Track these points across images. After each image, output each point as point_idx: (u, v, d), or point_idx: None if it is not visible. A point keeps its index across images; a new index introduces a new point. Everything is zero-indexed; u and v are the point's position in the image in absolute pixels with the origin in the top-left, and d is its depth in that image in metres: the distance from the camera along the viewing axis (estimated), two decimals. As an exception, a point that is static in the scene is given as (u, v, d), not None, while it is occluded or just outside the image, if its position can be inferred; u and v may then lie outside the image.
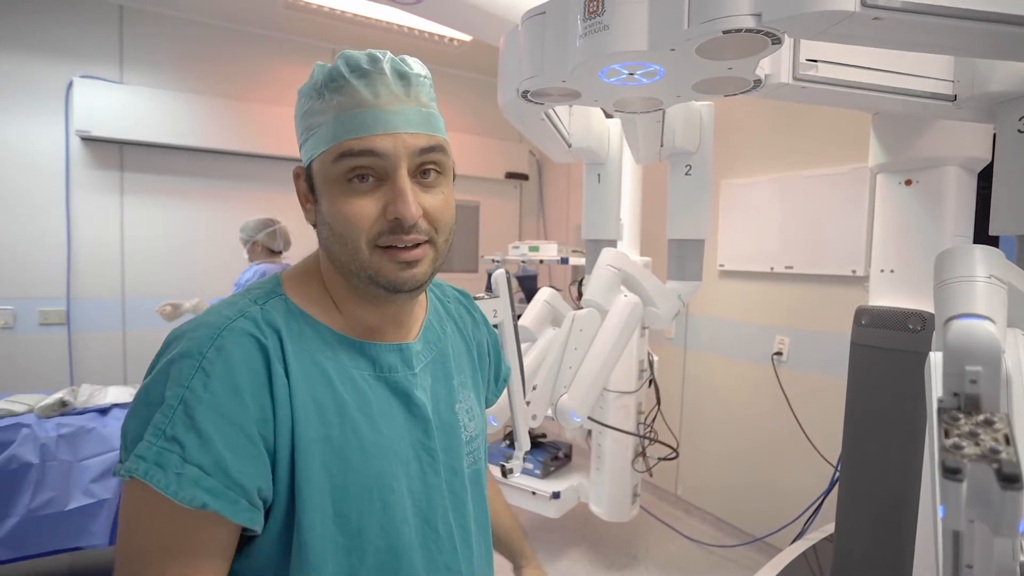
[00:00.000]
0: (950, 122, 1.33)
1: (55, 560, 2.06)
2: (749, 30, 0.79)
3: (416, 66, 0.61)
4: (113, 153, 2.89)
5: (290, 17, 3.05)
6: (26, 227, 2.71)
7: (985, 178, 1.32)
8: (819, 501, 2.03)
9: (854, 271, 2.23)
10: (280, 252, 2.69)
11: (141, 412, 0.52)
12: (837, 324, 2.27)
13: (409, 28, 3.17)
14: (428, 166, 0.60)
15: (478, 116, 3.81)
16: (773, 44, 0.84)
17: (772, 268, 2.53)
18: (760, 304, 2.63)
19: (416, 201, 0.58)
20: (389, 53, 0.60)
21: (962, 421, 0.52)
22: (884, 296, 1.57)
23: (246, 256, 2.64)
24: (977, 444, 0.49)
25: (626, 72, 0.98)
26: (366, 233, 0.57)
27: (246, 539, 0.56)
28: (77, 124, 2.71)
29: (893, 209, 1.55)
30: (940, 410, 0.54)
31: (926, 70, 1.13)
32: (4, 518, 1.83)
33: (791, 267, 2.46)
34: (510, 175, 3.99)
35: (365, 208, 0.57)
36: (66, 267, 2.80)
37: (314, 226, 0.64)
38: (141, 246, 2.98)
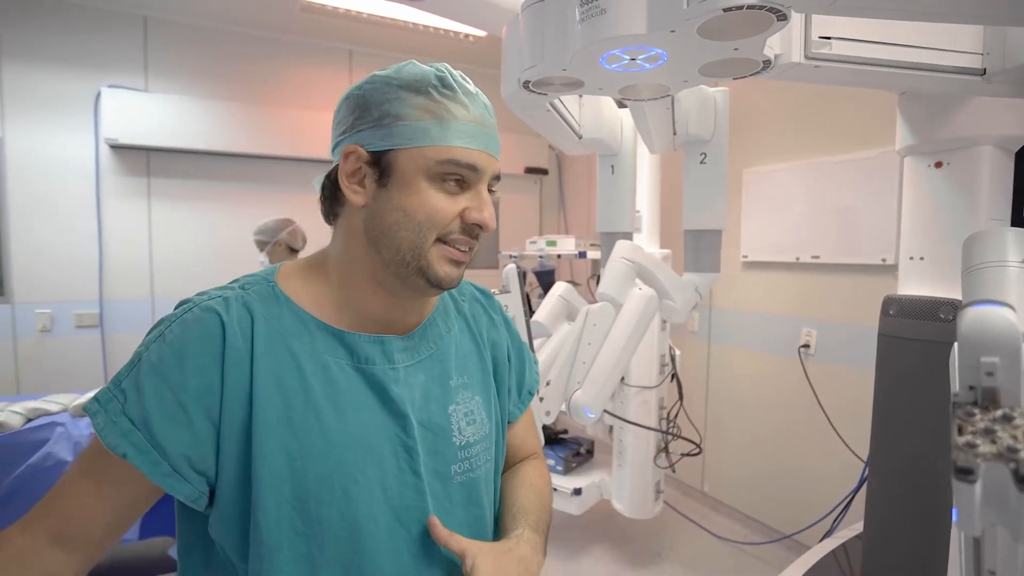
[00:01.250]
0: (984, 99, 1.25)
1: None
2: (751, 6, 0.75)
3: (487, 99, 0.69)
4: (140, 160, 2.97)
5: (307, 20, 3.08)
6: (60, 233, 2.81)
7: None
8: (849, 498, 1.95)
9: (884, 259, 2.13)
10: (298, 251, 2.72)
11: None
12: (867, 315, 2.18)
13: (424, 26, 3.17)
14: (492, 186, 0.67)
15: (495, 111, 3.78)
16: (779, 21, 0.79)
17: (798, 258, 2.45)
18: (786, 295, 2.55)
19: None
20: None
21: (978, 417, 0.48)
22: (914, 285, 1.50)
23: (262, 259, 2.65)
24: (993, 442, 0.45)
25: (627, 57, 0.95)
26: (441, 227, 0.62)
27: (201, 515, 0.60)
28: (106, 133, 2.79)
29: (922, 193, 1.47)
30: (954, 405, 0.50)
31: (952, 43, 1.06)
32: (41, 514, 1.89)
33: (817, 256, 2.37)
34: (529, 170, 3.96)
35: (451, 206, 0.62)
36: (98, 270, 2.89)
37: (326, 216, 0.68)
38: (168, 248, 3.07)
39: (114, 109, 2.80)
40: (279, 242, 2.65)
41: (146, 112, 2.87)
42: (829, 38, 0.99)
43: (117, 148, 2.89)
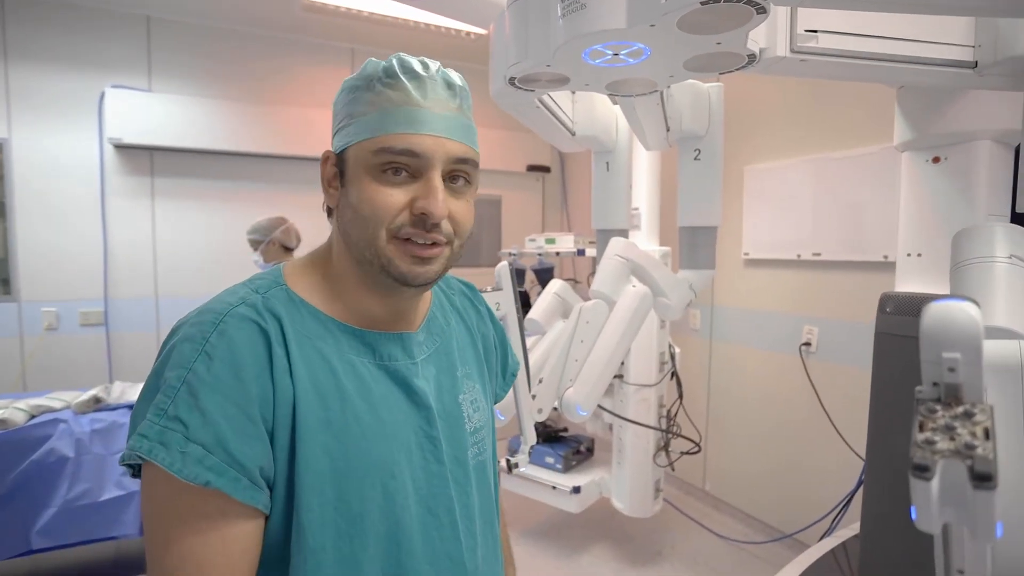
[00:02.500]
0: (982, 92, 1.23)
1: (99, 548, 2.15)
2: (729, 0, 0.74)
3: (460, 79, 0.66)
4: (144, 159, 3.00)
5: (308, 19, 3.10)
6: (65, 232, 2.85)
7: None
8: (848, 497, 1.94)
9: (886, 256, 2.11)
10: (293, 250, 2.70)
11: (147, 396, 0.55)
12: (869, 313, 2.15)
13: (425, 24, 3.17)
14: (459, 173, 0.64)
15: (496, 109, 3.77)
16: (759, 14, 0.78)
17: (799, 255, 2.43)
18: (788, 293, 2.53)
19: (445, 202, 0.61)
20: (439, 63, 0.65)
21: (939, 414, 0.47)
22: (911, 282, 1.48)
23: (256, 258, 2.62)
24: (952, 439, 0.45)
25: (610, 52, 0.94)
26: (388, 221, 0.60)
27: None
28: (109, 132, 2.82)
29: (920, 189, 1.45)
30: (917, 401, 0.49)
31: (943, 35, 1.05)
32: (44, 508, 1.92)
33: (819, 254, 2.35)
34: (532, 167, 3.96)
35: (393, 197, 0.60)
36: (103, 269, 2.92)
37: (328, 213, 0.68)
38: (172, 247, 3.09)
39: (118, 109, 2.83)
40: (273, 241, 2.63)
41: (150, 112, 2.90)
42: (815, 31, 0.98)
43: (121, 148, 2.92)
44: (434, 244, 0.62)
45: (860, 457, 2.04)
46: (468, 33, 3.28)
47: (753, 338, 2.70)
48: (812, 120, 2.40)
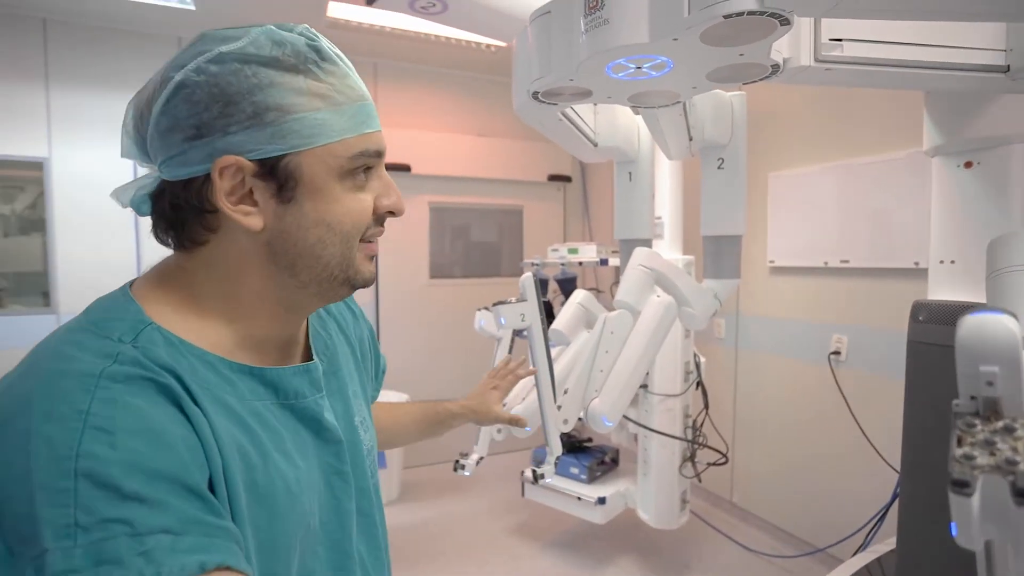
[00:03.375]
0: (1014, 96, 1.21)
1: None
2: (752, 12, 0.75)
3: None
4: (176, 175, 3.10)
5: (333, 35, 3.12)
6: (101, 247, 2.94)
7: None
8: (883, 511, 1.89)
9: (917, 263, 2.06)
10: None
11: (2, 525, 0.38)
12: (900, 320, 2.11)
13: (446, 38, 3.22)
14: None
15: (517, 120, 3.80)
16: (782, 25, 0.79)
17: (826, 263, 2.39)
18: (815, 301, 2.49)
19: None
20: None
21: (978, 428, 0.47)
22: (944, 289, 1.45)
23: None
24: (992, 454, 0.44)
25: (633, 66, 0.95)
26: (364, 228, 0.55)
27: None
28: (143, 150, 2.92)
29: (952, 195, 1.43)
30: (955, 415, 0.49)
31: (972, 40, 1.03)
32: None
33: (847, 261, 2.31)
34: (553, 177, 3.97)
35: (367, 203, 0.55)
36: (137, 283, 3.01)
37: (200, 236, 0.52)
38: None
39: (151, 127, 2.93)
40: None
41: (181, 130, 2.99)
42: (840, 40, 0.97)
43: (154, 165, 3.01)
44: None
45: (894, 469, 1.98)
46: (488, 46, 3.31)
47: (780, 347, 2.66)
48: (837, 125, 2.37)
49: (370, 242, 0.57)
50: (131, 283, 0.54)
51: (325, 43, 0.52)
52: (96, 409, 0.39)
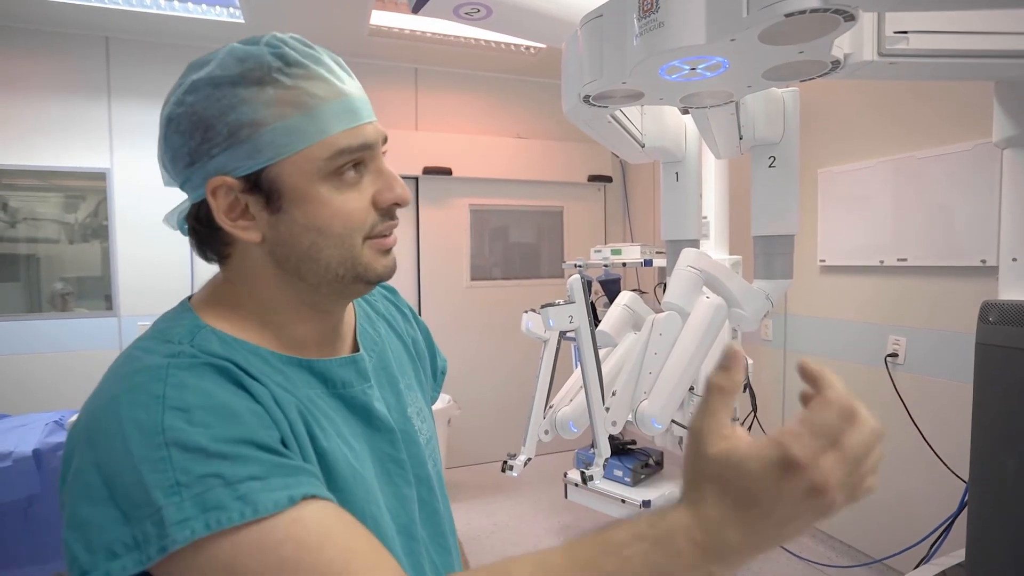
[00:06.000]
0: (1093, 84, 1.14)
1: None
2: (815, 10, 0.73)
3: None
4: (227, 182, 3.21)
5: (374, 43, 3.23)
6: (158, 252, 3.07)
7: None
8: (949, 522, 1.80)
9: (984, 261, 1.97)
10: None
11: (96, 494, 0.42)
12: (964, 322, 2.02)
13: (486, 42, 3.24)
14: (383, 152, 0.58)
15: (557, 121, 3.81)
16: (846, 22, 0.76)
17: (882, 261, 2.30)
18: (869, 301, 2.40)
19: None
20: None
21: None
22: (1016, 289, 1.38)
23: None
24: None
25: (687, 68, 0.94)
26: (363, 227, 0.55)
27: None
28: (197, 159, 3.04)
29: (1024, 189, 1.35)
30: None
31: (1050, 28, 0.98)
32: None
33: (905, 259, 2.22)
34: (593, 178, 3.94)
35: (360, 202, 0.55)
36: (190, 285, 3.13)
37: (216, 256, 0.57)
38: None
39: (205, 137, 3.05)
40: None
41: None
42: (906, 32, 0.94)
43: (207, 173, 3.13)
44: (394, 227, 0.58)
45: (959, 478, 1.90)
46: (528, 48, 3.32)
47: (831, 349, 2.57)
48: (893, 118, 2.28)
49: (383, 236, 0.57)
50: (189, 297, 0.59)
51: (293, 48, 0.52)
52: (170, 393, 0.45)
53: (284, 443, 0.48)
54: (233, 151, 0.50)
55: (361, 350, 0.64)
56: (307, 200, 0.52)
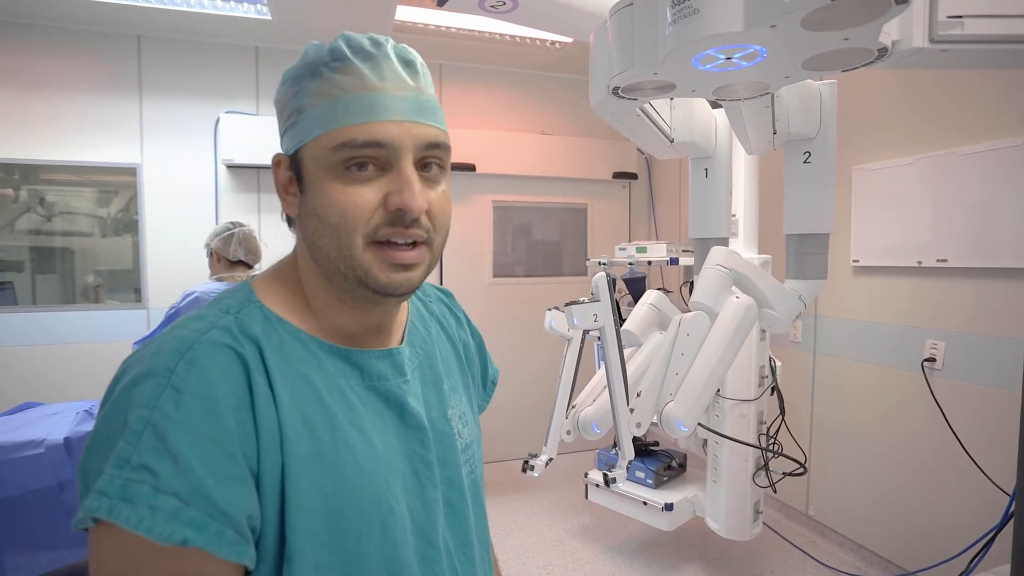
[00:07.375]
0: None
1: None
2: (865, -8, 0.68)
3: (417, 55, 0.58)
4: (251, 177, 3.24)
5: (399, 39, 3.17)
6: (186, 245, 3.12)
7: None
8: (991, 535, 1.72)
9: (1029, 262, 1.87)
10: (241, 263, 2.29)
11: (100, 445, 0.46)
12: (1009, 326, 1.93)
13: (511, 36, 3.21)
14: (431, 160, 0.56)
15: (582, 117, 3.77)
16: (898, 4, 0.72)
17: (920, 262, 2.21)
18: (906, 303, 2.31)
19: (421, 193, 0.53)
20: (391, 39, 0.57)
21: None
22: (1069, 292, 1.30)
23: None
24: None
25: (723, 57, 0.90)
26: (363, 225, 0.53)
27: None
28: (223, 154, 3.07)
29: (1079, 187, 1.28)
30: None
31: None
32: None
33: (944, 260, 2.13)
34: (618, 175, 3.89)
35: (364, 197, 0.53)
36: (218, 280, 3.18)
37: (289, 223, 0.61)
38: (277, 257, 3.30)
39: (230, 132, 3.08)
40: (212, 251, 2.28)
41: (257, 134, 3.12)
42: (960, 17, 0.88)
43: (232, 167, 3.16)
44: (414, 244, 0.55)
45: (1001, 489, 1.82)
46: (553, 43, 3.28)
47: (864, 352, 2.49)
48: (932, 113, 2.18)
49: (392, 246, 0.54)
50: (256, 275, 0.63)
51: (350, 42, 0.54)
52: (179, 370, 0.47)
53: (262, 450, 0.49)
54: (289, 133, 0.56)
55: (404, 345, 0.64)
56: (314, 186, 0.54)
